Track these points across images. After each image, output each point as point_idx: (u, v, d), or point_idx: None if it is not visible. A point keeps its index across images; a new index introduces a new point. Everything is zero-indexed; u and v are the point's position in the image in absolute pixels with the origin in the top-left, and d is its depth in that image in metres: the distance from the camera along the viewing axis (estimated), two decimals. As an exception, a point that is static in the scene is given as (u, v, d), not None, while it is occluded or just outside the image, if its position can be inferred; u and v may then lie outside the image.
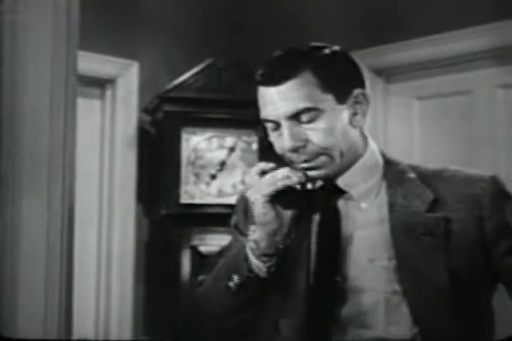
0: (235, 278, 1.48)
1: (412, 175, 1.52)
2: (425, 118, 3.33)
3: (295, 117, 1.43)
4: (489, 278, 1.48)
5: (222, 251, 1.65)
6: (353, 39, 3.22)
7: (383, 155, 1.56)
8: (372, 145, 1.55)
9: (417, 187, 1.50)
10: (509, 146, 3.02)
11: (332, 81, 1.44)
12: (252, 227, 1.46)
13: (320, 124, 1.44)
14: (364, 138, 1.54)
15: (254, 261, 1.46)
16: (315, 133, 1.44)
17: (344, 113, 1.47)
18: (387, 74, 3.42)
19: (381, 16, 3.32)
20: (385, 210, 1.49)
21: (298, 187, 1.44)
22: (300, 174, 1.43)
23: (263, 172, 1.44)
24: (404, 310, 1.43)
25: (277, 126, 1.46)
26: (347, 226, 1.49)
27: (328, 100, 1.44)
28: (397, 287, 1.44)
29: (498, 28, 2.95)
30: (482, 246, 1.45)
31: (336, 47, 1.50)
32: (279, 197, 1.42)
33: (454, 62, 3.16)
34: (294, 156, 1.45)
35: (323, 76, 1.43)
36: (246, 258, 1.47)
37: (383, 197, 1.51)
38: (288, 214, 1.45)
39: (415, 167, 1.55)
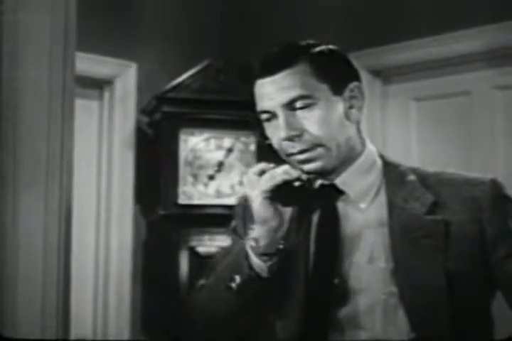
0: (237, 278, 1.45)
1: (412, 177, 1.52)
2: (423, 120, 3.33)
3: (290, 105, 1.44)
4: (488, 282, 1.47)
5: (222, 254, 1.64)
6: (351, 40, 3.22)
7: (382, 158, 1.56)
8: (371, 147, 1.56)
9: (417, 190, 1.49)
10: (507, 147, 3.02)
11: (327, 72, 1.46)
12: (252, 226, 1.44)
13: (315, 113, 1.45)
14: (362, 139, 1.54)
15: (255, 260, 1.45)
16: (310, 123, 1.44)
17: (339, 105, 1.48)
18: (385, 75, 3.42)
19: (379, 17, 3.32)
20: (384, 212, 1.49)
21: (297, 183, 1.43)
22: (299, 170, 1.44)
23: (262, 172, 1.43)
24: (402, 313, 1.43)
25: (273, 116, 1.47)
26: (346, 228, 1.49)
27: (323, 89, 1.46)
28: (394, 289, 1.43)
29: (495, 30, 2.96)
30: (481, 250, 1.45)
31: (332, 46, 1.52)
32: (278, 194, 1.41)
33: (452, 63, 3.16)
34: (290, 146, 1.45)
35: (319, 67, 1.46)
36: (247, 258, 1.45)
37: (383, 199, 1.50)
38: (288, 211, 1.45)
39: (415, 169, 1.55)
